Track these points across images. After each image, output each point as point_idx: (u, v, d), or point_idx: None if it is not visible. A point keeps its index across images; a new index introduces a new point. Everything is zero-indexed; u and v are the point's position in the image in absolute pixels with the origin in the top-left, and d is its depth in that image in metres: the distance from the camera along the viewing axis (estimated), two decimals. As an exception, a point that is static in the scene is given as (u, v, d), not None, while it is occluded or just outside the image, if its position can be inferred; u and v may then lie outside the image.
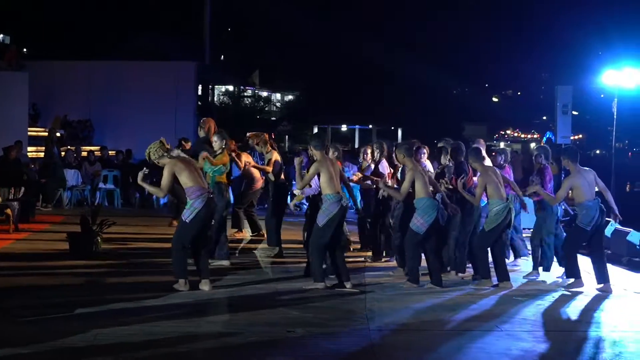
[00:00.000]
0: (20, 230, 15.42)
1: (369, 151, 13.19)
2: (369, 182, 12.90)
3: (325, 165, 10.39)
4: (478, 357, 7.49)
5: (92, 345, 7.42)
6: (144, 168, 10.34)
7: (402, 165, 11.59)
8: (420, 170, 10.82)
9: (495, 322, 8.91)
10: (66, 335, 7.69)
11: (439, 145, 12.24)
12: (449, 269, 11.74)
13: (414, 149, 12.06)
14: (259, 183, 14.56)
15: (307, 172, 10.65)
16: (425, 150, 12.44)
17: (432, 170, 12.15)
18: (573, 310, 9.66)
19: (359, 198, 12.74)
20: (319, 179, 10.47)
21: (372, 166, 13.05)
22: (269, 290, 10.38)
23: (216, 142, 11.99)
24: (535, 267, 11.89)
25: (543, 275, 11.77)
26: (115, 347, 7.39)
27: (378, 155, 12.95)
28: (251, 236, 14.67)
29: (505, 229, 11.19)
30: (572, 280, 11.06)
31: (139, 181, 10.39)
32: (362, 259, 13.01)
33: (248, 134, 14.19)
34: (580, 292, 10.76)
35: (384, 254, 13.02)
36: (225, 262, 12.02)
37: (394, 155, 12.08)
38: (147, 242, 14.12)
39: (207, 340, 7.77)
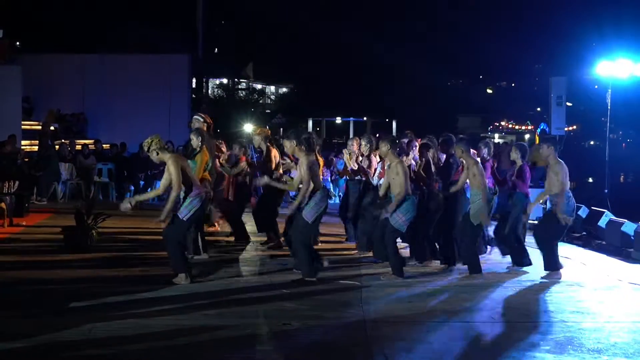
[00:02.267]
0: (15, 224, 15.41)
1: (355, 144, 13.15)
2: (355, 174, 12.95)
3: (312, 161, 10.39)
4: (472, 347, 7.50)
5: (87, 339, 7.41)
6: (127, 204, 10.26)
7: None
8: (403, 169, 10.77)
9: (489, 313, 8.93)
10: (61, 329, 7.68)
11: (423, 141, 12.19)
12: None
13: (407, 142, 12.08)
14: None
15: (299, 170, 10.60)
16: (417, 143, 12.41)
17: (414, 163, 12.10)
18: (567, 300, 9.67)
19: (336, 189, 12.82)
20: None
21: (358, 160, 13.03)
22: (265, 282, 10.38)
23: (193, 140, 11.89)
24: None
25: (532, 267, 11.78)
26: (110, 341, 7.39)
27: (368, 150, 12.89)
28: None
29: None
30: (548, 272, 11.07)
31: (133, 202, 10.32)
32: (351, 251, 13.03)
33: (255, 130, 14.11)
34: (575, 283, 10.78)
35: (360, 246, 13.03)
36: (205, 256, 12.02)
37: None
38: (141, 235, 14.09)
39: (203, 333, 7.76)
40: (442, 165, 11.79)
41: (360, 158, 12.99)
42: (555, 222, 11.02)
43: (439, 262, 11.84)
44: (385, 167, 11.20)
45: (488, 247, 12.73)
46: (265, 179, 11.54)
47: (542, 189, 11.56)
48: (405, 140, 12.32)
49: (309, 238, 10.53)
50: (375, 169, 12.71)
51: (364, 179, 12.93)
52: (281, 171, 13.18)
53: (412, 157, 12.01)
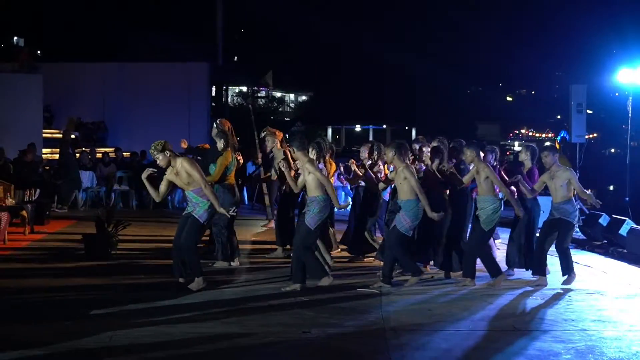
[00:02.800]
0: (36, 231, 15.49)
1: (366, 150, 13.09)
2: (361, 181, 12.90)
3: (316, 166, 10.43)
4: (494, 357, 7.46)
5: (107, 347, 7.43)
6: (147, 170, 10.34)
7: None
8: (412, 171, 10.75)
9: (510, 322, 8.88)
10: (81, 337, 7.70)
11: (434, 144, 12.12)
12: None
13: (419, 147, 12.04)
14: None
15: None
16: (427, 150, 12.35)
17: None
18: (589, 309, 9.61)
19: (343, 196, 12.73)
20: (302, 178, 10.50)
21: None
22: (283, 290, 10.36)
23: (218, 144, 11.96)
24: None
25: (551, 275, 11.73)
26: (129, 349, 7.40)
27: (376, 156, 12.87)
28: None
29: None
30: (566, 276, 11.01)
31: (144, 177, 10.31)
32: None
33: (267, 128, 13.94)
34: (596, 292, 10.71)
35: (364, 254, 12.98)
36: (226, 263, 12.04)
37: (383, 154, 12.03)
38: (161, 243, 14.10)
39: (222, 341, 7.76)
40: (451, 171, 11.65)
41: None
42: (568, 228, 10.98)
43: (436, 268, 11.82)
44: (389, 173, 11.20)
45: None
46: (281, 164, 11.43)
47: (549, 196, 11.47)
48: (417, 146, 12.26)
49: (311, 244, 10.47)
50: (382, 177, 12.68)
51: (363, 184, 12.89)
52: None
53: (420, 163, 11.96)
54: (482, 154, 11.26)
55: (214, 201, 9.98)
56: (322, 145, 11.29)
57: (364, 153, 12.99)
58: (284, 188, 13.31)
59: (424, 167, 11.82)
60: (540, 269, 11.17)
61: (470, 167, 11.39)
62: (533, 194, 11.37)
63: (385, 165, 12.50)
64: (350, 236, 13.25)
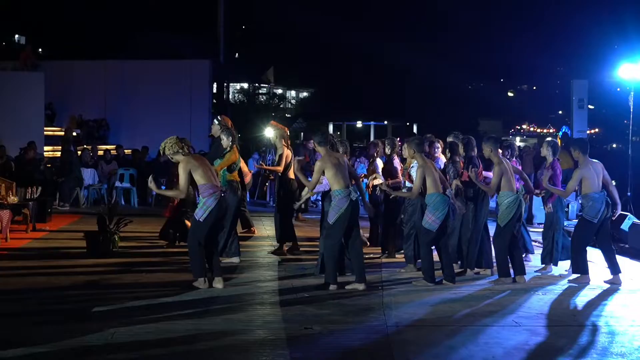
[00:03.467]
0: (38, 229, 15.49)
1: (386, 144, 13.08)
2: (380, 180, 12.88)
3: (329, 161, 10.26)
4: (495, 352, 7.45)
5: (109, 344, 7.43)
6: (150, 177, 10.35)
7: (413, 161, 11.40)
8: (431, 166, 10.73)
9: (511, 317, 8.87)
10: (83, 334, 7.70)
11: (449, 139, 12.11)
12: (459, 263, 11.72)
13: (428, 144, 12.02)
14: (247, 178, 14.31)
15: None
16: (439, 145, 12.39)
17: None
18: (591, 304, 9.61)
19: (367, 194, 12.66)
20: (324, 175, 10.39)
21: (378, 162, 13.07)
22: (285, 286, 10.37)
23: (224, 140, 11.95)
24: (548, 262, 11.86)
25: (554, 270, 11.76)
26: (132, 346, 7.41)
27: (389, 151, 12.88)
28: (241, 233, 14.38)
29: (517, 222, 11.11)
30: (577, 275, 11.00)
31: (155, 190, 10.55)
32: (377, 256, 12.96)
33: (272, 122, 13.93)
34: (599, 287, 10.71)
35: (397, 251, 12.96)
36: (236, 260, 12.05)
37: (403, 150, 12.01)
38: (163, 240, 14.11)
39: (224, 338, 7.76)
40: (463, 167, 11.67)
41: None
42: (583, 225, 10.96)
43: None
44: (410, 169, 11.17)
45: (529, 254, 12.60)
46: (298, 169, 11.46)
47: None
48: (427, 143, 12.26)
49: (334, 243, 10.27)
50: (400, 171, 12.67)
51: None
52: (291, 174, 13.03)
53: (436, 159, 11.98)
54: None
55: (165, 193, 10.87)
56: (346, 144, 11.52)
57: (387, 150, 12.99)
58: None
59: (441, 164, 11.83)
60: (580, 268, 11.11)
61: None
62: (568, 195, 11.45)
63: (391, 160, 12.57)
64: (377, 235, 13.38)
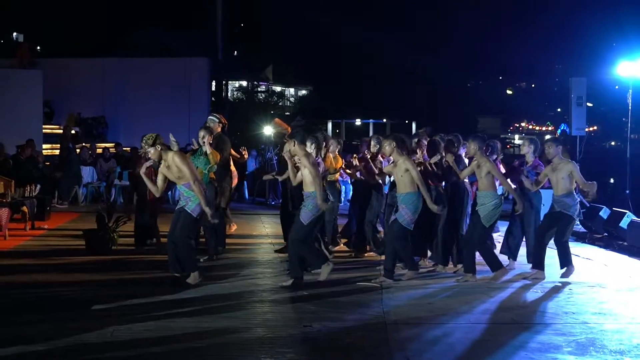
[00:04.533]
0: (37, 227, 15.50)
1: (372, 142, 13.06)
2: (358, 174, 12.85)
3: (313, 161, 10.32)
4: (494, 350, 7.46)
5: (109, 342, 7.44)
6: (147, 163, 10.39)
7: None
8: (413, 162, 10.73)
9: (510, 315, 8.88)
10: (83, 332, 7.71)
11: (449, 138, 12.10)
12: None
13: (417, 140, 12.00)
14: (235, 181, 14.25)
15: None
16: (425, 143, 12.31)
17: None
18: (590, 302, 9.62)
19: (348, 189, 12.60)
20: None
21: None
22: (284, 284, 10.37)
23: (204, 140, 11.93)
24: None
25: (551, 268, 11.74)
26: (131, 343, 7.42)
27: (377, 149, 12.85)
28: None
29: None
30: (565, 268, 11.01)
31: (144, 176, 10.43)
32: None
33: (276, 120, 13.88)
34: (597, 285, 10.72)
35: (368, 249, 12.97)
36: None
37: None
38: (161, 237, 14.11)
39: (223, 336, 7.77)
40: (446, 166, 11.58)
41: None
42: (568, 222, 10.97)
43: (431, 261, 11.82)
44: (390, 165, 11.12)
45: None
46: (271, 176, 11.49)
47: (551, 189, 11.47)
48: (415, 139, 12.22)
49: (305, 237, 10.34)
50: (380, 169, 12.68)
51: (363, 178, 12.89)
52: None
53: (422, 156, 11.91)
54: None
55: (200, 198, 9.91)
56: (319, 140, 11.24)
57: (372, 147, 12.96)
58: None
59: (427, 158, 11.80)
60: (538, 263, 11.15)
61: (467, 162, 11.41)
62: (536, 188, 11.35)
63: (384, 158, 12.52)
64: (351, 231, 13.28)
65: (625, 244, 14.23)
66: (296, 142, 10.43)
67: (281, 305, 9.14)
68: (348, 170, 13.07)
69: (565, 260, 11.01)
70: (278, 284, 10.31)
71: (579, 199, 11.20)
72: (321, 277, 10.39)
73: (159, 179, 10.22)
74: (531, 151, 11.63)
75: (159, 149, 10.01)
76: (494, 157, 11.58)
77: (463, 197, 11.57)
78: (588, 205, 15.18)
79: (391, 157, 10.92)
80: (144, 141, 10.09)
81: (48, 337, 7.52)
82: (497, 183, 10.89)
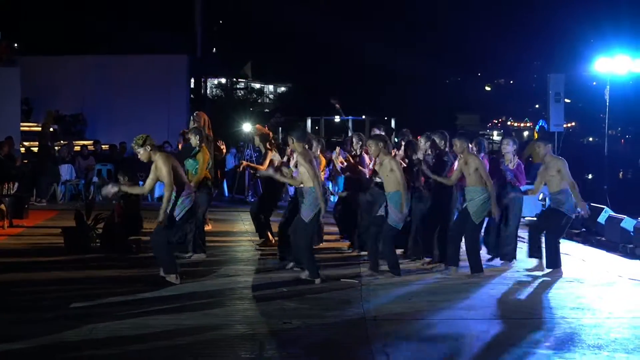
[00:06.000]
0: (15, 225, 15.42)
1: (354, 140, 13.12)
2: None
3: (310, 157, 10.32)
4: (473, 345, 7.49)
5: (88, 340, 7.41)
6: (110, 189, 10.41)
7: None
8: (398, 163, 10.75)
9: (489, 310, 8.92)
10: (62, 330, 7.68)
11: (409, 138, 12.21)
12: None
13: (407, 142, 12.05)
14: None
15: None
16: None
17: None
18: (568, 297, 9.67)
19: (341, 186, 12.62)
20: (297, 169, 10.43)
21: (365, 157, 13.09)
22: (264, 281, 10.38)
23: (192, 139, 11.94)
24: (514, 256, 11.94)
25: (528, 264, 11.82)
26: (110, 341, 7.39)
27: (359, 147, 12.88)
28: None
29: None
30: (550, 270, 11.07)
31: (111, 191, 10.47)
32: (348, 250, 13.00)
33: (257, 126, 13.87)
34: (575, 280, 10.78)
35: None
36: (203, 255, 12.05)
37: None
38: (141, 236, 14.06)
39: (203, 333, 7.75)
40: (434, 162, 11.65)
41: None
42: (558, 219, 11.02)
43: (429, 259, 11.82)
44: (377, 165, 11.13)
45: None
46: (269, 172, 11.51)
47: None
48: (404, 140, 12.27)
49: (309, 238, 10.41)
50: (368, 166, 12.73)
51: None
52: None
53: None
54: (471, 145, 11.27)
55: (165, 204, 9.87)
56: (321, 140, 11.35)
57: (355, 145, 12.99)
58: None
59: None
60: (538, 254, 11.23)
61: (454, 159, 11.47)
62: (533, 194, 11.55)
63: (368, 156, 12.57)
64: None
65: (603, 239, 14.30)
66: (294, 139, 10.44)
67: (261, 302, 9.13)
68: (340, 161, 13.00)
69: (553, 261, 11.06)
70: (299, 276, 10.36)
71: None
72: (302, 274, 10.41)
73: (149, 179, 10.12)
74: (512, 150, 11.69)
75: (149, 150, 9.98)
76: (482, 154, 11.64)
77: (451, 194, 11.61)
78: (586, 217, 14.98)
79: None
80: (134, 142, 10.06)
81: (26, 335, 7.48)
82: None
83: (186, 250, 12.04)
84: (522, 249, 12.11)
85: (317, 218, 10.41)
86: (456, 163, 11.21)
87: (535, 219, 11.82)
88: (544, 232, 11.28)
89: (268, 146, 13.19)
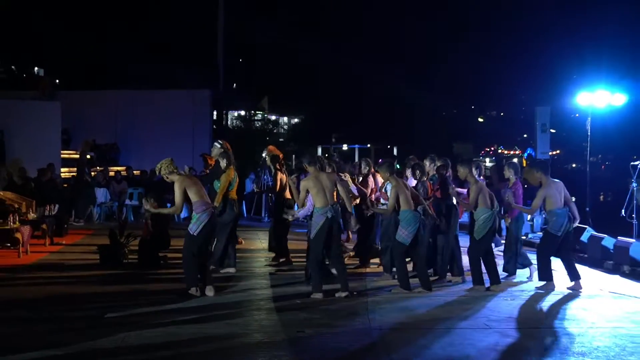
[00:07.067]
0: (55, 243, 15.47)
1: (362, 165, 13.20)
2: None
3: (312, 180, 10.25)
4: (469, 352, 7.45)
5: (121, 347, 7.41)
6: (143, 203, 10.56)
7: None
8: (403, 185, 10.73)
9: (484, 321, 8.87)
10: (96, 338, 7.68)
11: (415, 162, 12.24)
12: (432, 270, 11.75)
13: (412, 165, 12.07)
14: None
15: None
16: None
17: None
18: (554, 309, 9.63)
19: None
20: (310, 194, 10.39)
21: (370, 180, 13.11)
22: (279, 294, 10.35)
23: (221, 162, 12.02)
24: (514, 272, 11.89)
25: (518, 278, 11.79)
26: (141, 348, 7.38)
27: (366, 171, 12.93)
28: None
29: (492, 235, 11.15)
30: (544, 282, 11.03)
31: (150, 209, 10.63)
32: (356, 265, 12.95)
33: (270, 147, 13.84)
34: (561, 293, 10.74)
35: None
36: (232, 270, 12.04)
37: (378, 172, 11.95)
38: (168, 252, 14.07)
39: (225, 341, 7.75)
40: (439, 186, 11.71)
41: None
42: (548, 237, 11.01)
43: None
44: (384, 189, 11.13)
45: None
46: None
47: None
48: (412, 164, 12.27)
49: (318, 254, 10.30)
50: (373, 189, 12.75)
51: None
52: (288, 195, 12.97)
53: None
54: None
55: (164, 211, 10.61)
56: (332, 164, 11.40)
57: (364, 169, 13.05)
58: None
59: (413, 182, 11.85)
60: (546, 275, 11.13)
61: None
62: (533, 212, 11.60)
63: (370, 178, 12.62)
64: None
65: (586, 256, 14.25)
66: (305, 163, 10.51)
67: (276, 313, 9.11)
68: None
69: (544, 274, 11.02)
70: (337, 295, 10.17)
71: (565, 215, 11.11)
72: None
73: (177, 198, 10.12)
74: (512, 174, 11.80)
75: (167, 178, 10.08)
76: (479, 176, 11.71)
77: (451, 213, 11.65)
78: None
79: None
80: (158, 166, 10.13)
81: (65, 343, 7.49)
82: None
83: (221, 264, 12.01)
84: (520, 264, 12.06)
85: (321, 235, 10.12)
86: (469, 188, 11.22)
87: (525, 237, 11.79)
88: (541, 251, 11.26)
89: (277, 166, 13.21)
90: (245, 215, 23.36)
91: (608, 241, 13.62)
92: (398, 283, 10.68)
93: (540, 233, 12.17)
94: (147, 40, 39.45)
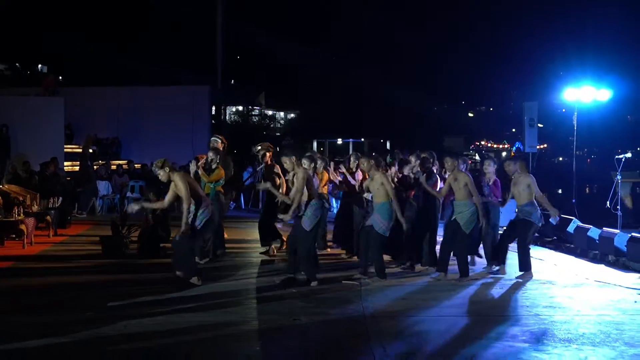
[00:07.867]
0: (59, 234, 15.43)
1: (352, 159, 13.21)
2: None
3: (309, 175, 10.33)
4: (459, 339, 7.47)
5: (122, 334, 7.41)
6: (135, 206, 10.48)
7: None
8: (387, 177, 10.76)
9: (473, 308, 8.90)
10: (100, 326, 7.68)
11: (401, 156, 12.25)
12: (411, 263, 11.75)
13: (401, 159, 12.08)
14: None
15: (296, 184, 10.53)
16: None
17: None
18: (541, 296, 9.64)
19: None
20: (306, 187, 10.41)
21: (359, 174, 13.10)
22: (276, 283, 10.33)
23: (212, 159, 12.04)
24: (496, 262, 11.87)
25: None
26: (143, 336, 7.39)
27: (355, 165, 12.95)
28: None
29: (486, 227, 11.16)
30: (523, 272, 11.04)
31: (135, 207, 10.51)
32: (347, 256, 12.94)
33: (260, 145, 13.79)
34: (548, 282, 10.75)
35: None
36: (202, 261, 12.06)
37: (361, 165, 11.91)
38: (168, 243, 14.06)
39: (223, 328, 7.76)
40: (426, 177, 11.63)
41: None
42: (527, 227, 11.01)
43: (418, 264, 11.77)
44: (367, 180, 11.11)
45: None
46: (267, 184, 11.43)
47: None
48: (397, 158, 12.29)
49: (311, 246, 10.37)
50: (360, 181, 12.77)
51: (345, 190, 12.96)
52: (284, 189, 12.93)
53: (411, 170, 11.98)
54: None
55: (185, 215, 9.83)
56: (314, 157, 11.27)
57: (353, 163, 13.03)
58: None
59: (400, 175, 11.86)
60: (502, 258, 11.23)
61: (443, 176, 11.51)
62: (504, 205, 11.56)
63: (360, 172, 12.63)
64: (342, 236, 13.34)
65: (572, 246, 14.28)
66: (305, 160, 10.59)
67: (273, 302, 9.12)
68: (334, 176, 13.06)
69: (525, 264, 11.03)
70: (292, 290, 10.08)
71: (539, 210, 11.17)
72: (299, 275, 10.37)
73: (169, 195, 10.15)
74: (493, 170, 11.75)
75: (167, 171, 10.03)
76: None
77: (435, 205, 11.66)
78: (555, 223, 14.94)
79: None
80: (154, 165, 10.13)
81: (70, 330, 7.50)
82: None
83: (207, 255, 12.05)
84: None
85: (317, 226, 10.34)
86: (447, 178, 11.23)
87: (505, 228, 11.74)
88: (515, 240, 11.25)
89: (268, 161, 13.18)
90: (243, 207, 23.34)
91: (593, 232, 13.63)
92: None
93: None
94: (149, 39, 39.44)
